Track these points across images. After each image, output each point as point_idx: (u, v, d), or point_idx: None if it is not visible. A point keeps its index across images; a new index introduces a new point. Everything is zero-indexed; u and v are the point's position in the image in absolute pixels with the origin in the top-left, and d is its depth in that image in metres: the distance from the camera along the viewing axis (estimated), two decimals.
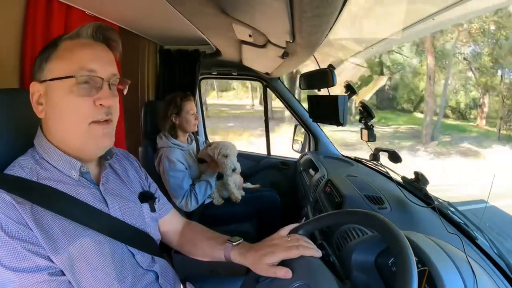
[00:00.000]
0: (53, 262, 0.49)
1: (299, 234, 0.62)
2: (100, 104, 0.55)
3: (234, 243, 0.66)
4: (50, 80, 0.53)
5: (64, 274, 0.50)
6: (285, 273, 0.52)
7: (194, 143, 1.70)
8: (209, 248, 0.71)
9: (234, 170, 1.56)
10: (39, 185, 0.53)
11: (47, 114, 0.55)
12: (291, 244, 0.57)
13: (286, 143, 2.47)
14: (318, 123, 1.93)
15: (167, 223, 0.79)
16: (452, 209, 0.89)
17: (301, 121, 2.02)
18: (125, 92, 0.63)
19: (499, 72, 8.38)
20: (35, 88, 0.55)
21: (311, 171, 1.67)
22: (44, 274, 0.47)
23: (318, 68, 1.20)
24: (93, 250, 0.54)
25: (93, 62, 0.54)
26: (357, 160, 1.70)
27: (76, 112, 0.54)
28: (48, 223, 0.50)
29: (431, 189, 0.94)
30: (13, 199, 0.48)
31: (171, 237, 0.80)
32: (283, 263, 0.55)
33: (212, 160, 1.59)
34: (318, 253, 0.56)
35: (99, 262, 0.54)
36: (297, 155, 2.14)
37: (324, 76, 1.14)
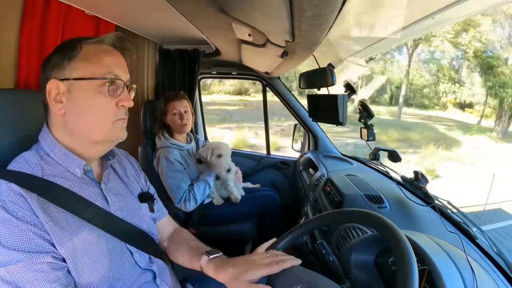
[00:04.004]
0: (57, 249, 0.51)
1: (276, 249, 0.61)
2: (122, 105, 0.60)
3: (211, 256, 0.64)
4: (76, 79, 0.55)
5: (65, 262, 0.51)
6: None
7: (193, 142, 1.70)
8: (188, 256, 0.71)
9: (229, 170, 1.54)
10: (44, 181, 0.54)
11: (68, 110, 0.57)
12: (270, 260, 0.56)
13: None
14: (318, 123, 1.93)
15: (161, 227, 0.80)
16: (452, 208, 0.89)
17: (301, 121, 2.02)
18: (132, 96, 0.65)
19: None
20: (54, 85, 0.56)
21: (311, 170, 1.67)
22: (48, 256, 0.49)
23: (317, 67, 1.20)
24: (94, 245, 0.56)
25: (117, 67, 0.59)
26: (357, 159, 1.70)
27: (103, 112, 0.58)
28: (53, 214, 0.52)
29: None
30: (21, 189, 0.51)
31: (161, 241, 0.80)
32: (271, 279, 0.54)
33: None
34: (297, 261, 0.56)
35: (99, 257, 0.55)
36: (297, 155, 2.14)
37: (324, 75, 1.13)
